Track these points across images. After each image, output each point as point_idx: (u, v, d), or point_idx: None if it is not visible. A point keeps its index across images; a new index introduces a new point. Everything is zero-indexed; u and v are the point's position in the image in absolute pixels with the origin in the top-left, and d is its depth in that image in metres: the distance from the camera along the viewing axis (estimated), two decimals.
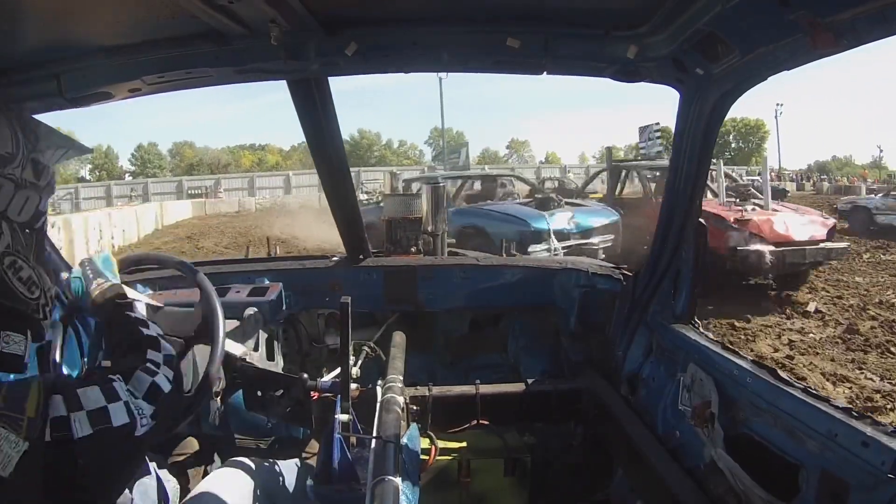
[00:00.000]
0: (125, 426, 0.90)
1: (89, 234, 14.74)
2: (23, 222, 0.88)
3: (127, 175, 55.63)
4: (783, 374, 1.40)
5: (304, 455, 2.21)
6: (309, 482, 1.63)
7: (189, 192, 41.43)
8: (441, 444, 1.94)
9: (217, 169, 50.12)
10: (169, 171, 54.81)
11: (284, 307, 2.55)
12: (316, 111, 1.89)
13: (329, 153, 2.12)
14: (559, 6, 1.43)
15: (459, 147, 42.60)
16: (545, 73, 1.61)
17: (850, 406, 1.21)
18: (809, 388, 1.32)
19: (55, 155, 0.95)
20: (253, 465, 1.59)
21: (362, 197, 19.91)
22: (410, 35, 1.51)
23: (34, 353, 1.46)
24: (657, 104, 29.02)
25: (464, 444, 2.01)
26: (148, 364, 1.05)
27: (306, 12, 1.36)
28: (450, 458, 1.98)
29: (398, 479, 1.36)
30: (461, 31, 1.50)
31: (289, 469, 1.69)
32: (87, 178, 54.85)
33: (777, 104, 48.93)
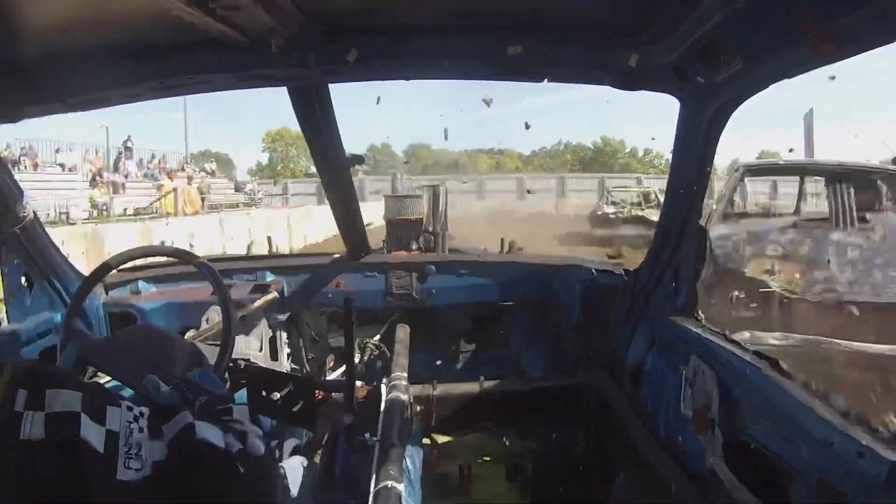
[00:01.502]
0: (96, 454, 0.81)
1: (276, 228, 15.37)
2: None
3: (359, 173, 54.85)
4: (783, 366, 1.40)
5: (307, 455, 2.23)
6: (313, 485, 1.65)
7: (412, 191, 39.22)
8: (443, 448, 1.95)
9: (454, 171, 48.02)
10: (404, 174, 53.36)
11: (286, 305, 2.56)
12: (316, 118, 1.89)
13: (329, 157, 2.12)
14: (560, 14, 1.42)
15: None
16: (546, 80, 1.60)
17: (849, 410, 1.21)
18: (809, 384, 1.32)
19: None
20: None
21: (608, 210, 18.84)
22: (411, 42, 1.50)
23: None
24: None
25: (466, 448, 2.02)
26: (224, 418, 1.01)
27: (307, 20, 1.35)
28: (452, 463, 1.99)
29: (401, 487, 1.38)
30: (462, 38, 1.49)
31: (293, 469, 1.70)
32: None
33: None
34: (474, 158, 58.71)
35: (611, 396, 2.00)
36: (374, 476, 1.41)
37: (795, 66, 1.25)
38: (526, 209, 28.87)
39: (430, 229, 3.55)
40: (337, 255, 2.80)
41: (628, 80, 1.56)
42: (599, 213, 19.28)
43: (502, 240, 3.44)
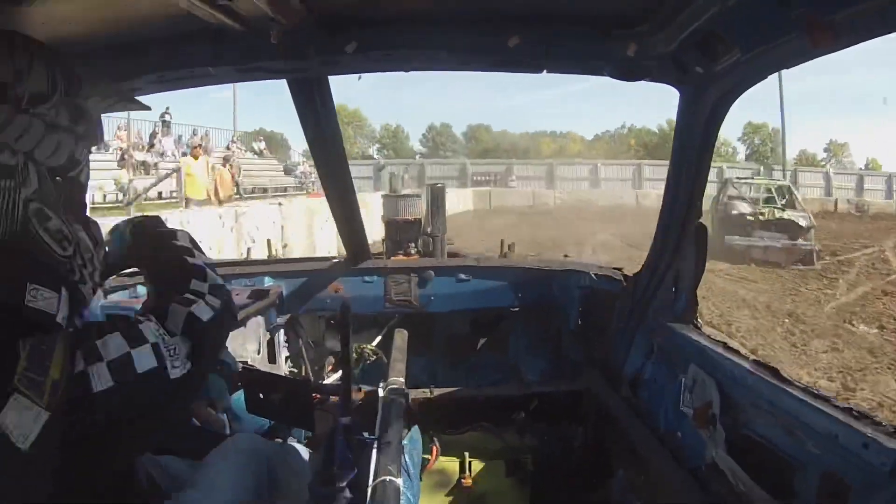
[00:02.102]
0: (153, 371, 0.84)
1: (314, 220, 12.00)
2: (53, 167, 0.84)
3: (417, 156, 51.48)
4: (784, 374, 1.39)
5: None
6: (311, 487, 1.62)
7: (474, 178, 35.36)
8: (442, 445, 1.94)
9: (515, 154, 45.16)
10: (463, 156, 49.38)
11: (285, 309, 2.55)
12: (316, 110, 1.90)
13: (329, 153, 2.13)
14: (559, 5, 1.43)
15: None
16: (545, 71, 1.61)
17: (851, 406, 1.20)
18: (810, 387, 1.32)
19: (102, 104, 0.95)
20: (258, 442, 1.57)
21: (744, 208, 13.44)
22: (411, 33, 1.51)
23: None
24: None
25: (465, 445, 2.00)
26: (187, 295, 0.97)
27: (306, 11, 1.36)
28: (451, 459, 1.97)
29: (399, 481, 1.36)
30: (461, 29, 1.50)
31: (294, 452, 1.67)
32: (375, 156, 50.97)
33: None
34: (536, 141, 57.10)
35: (609, 401, 1.99)
36: (372, 471, 1.39)
37: (794, 56, 1.26)
38: (599, 200, 27.53)
39: (430, 231, 3.53)
40: (336, 260, 2.79)
41: (627, 71, 1.57)
42: (734, 212, 13.80)
43: (502, 242, 3.43)
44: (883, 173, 39.34)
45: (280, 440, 1.67)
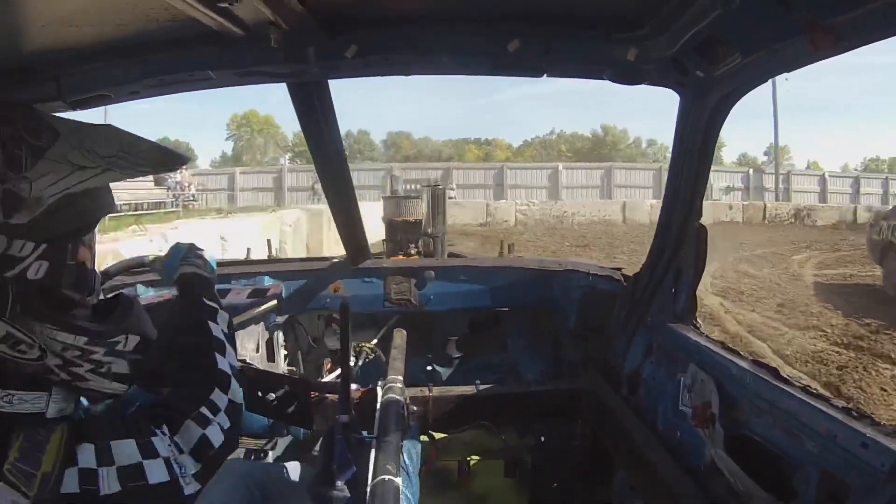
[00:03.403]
0: (164, 485, 0.81)
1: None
2: None
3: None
4: (783, 374, 1.40)
5: (304, 456, 2.21)
6: (309, 486, 1.63)
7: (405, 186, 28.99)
8: (441, 444, 1.95)
9: (433, 159, 43.07)
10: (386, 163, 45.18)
11: (285, 309, 2.55)
12: (316, 114, 1.90)
13: (329, 155, 2.13)
14: (559, 9, 1.43)
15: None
16: (545, 75, 1.61)
17: (850, 406, 1.21)
18: (809, 387, 1.33)
19: (53, 187, 0.75)
20: (250, 466, 1.58)
21: None
22: (411, 37, 1.51)
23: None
24: None
25: (464, 444, 2.01)
26: (204, 411, 0.92)
27: (306, 14, 1.35)
28: (450, 458, 1.98)
29: (399, 480, 1.37)
30: (461, 33, 1.50)
31: (287, 471, 1.69)
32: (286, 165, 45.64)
33: None
34: (460, 148, 55.86)
35: (608, 401, 1.99)
36: (371, 470, 1.40)
37: (795, 60, 1.26)
38: (575, 213, 22.80)
39: (430, 232, 3.53)
40: (336, 260, 2.80)
41: (627, 74, 1.57)
42: None
43: (501, 241, 3.43)
44: (820, 173, 38.19)
45: (269, 462, 1.67)
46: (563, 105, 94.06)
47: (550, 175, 31.74)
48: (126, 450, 0.79)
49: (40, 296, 0.76)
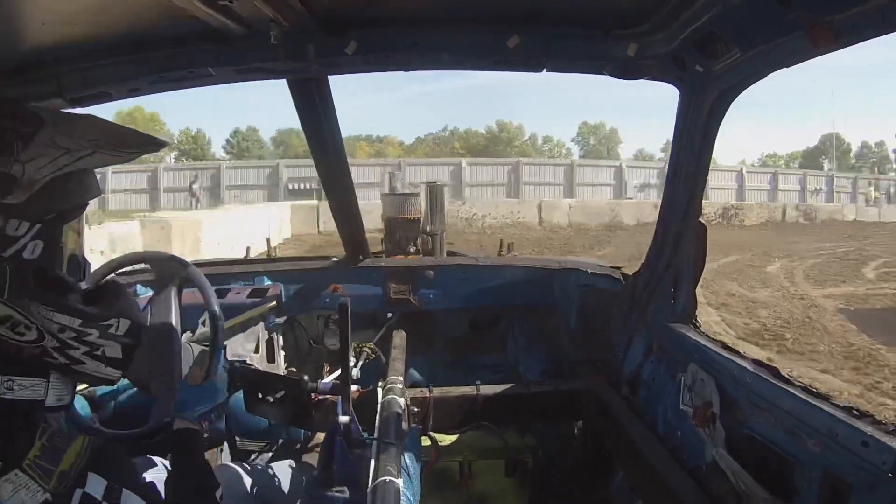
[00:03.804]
0: None
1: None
2: None
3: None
4: (784, 373, 1.40)
5: (304, 457, 2.20)
6: (309, 486, 1.63)
7: (290, 187, 26.81)
8: (442, 445, 1.94)
9: None
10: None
11: (284, 309, 2.54)
12: (316, 111, 1.89)
13: (329, 153, 2.12)
14: (559, 5, 1.44)
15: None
16: (545, 70, 1.61)
17: (851, 405, 1.21)
18: (810, 386, 1.32)
19: (46, 169, 0.78)
20: (246, 468, 1.58)
21: None
22: (411, 34, 1.51)
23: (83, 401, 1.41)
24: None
25: (464, 445, 2.00)
26: None
27: (306, 12, 1.36)
28: (451, 459, 1.98)
29: (399, 481, 1.36)
30: (461, 30, 1.50)
31: (283, 471, 1.68)
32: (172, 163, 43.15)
33: None
34: (351, 146, 53.10)
35: (609, 400, 1.99)
36: (371, 472, 1.39)
37: (794, 56, 1.26)
38: (526, 216, 20.82)
39: (429, 230, 3.52)
40: (335, 259, 2.79)
41: (627, 70, 1.57)
42: None
43: (501, 241, 3.42)
44: (791, 171, 37.27)
45: (264, 465, 1.67)
46: (458, 101, 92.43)
47: (453, 172, 28.03)
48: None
49: (36, 277, 0.78)
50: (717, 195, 27.83)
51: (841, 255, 14.68)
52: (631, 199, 25.35)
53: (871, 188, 33.55)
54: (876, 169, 42.53)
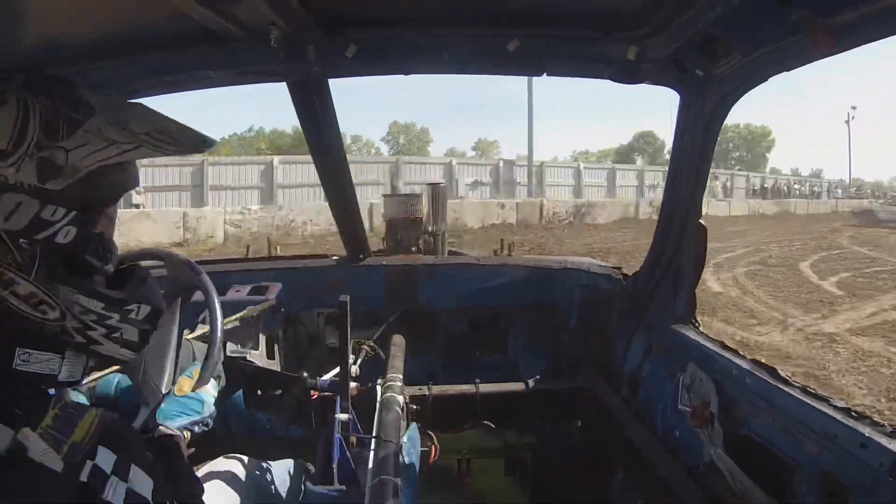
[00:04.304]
0: None
1: None
2: (14, 231, 0.75)
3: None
4: (783, 374, 1.40)
5: (303, 454, 2.21)
6: (308, 483, 1.63)
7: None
8: (441, 443, 1.95)
9: None
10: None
11: (284, 307, 2.55)
12: (316, 113, 1.90)
13: (329, 154, 2.13)
14: (559, 8, 1.43)
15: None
16: (545, 74, 1.61)
17: (850, 406, 1.21)
18: (809, 387, 1.32)
19: (90, 158, 0.78)
20: (245, 462, 1.58)
21: None
22: (411, 37, 1.51)
23: (83, 397, 1.42)
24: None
25: (464, 443, 2.01)
26: None
27: (306, 14, 1.35)
28: (450, 457, 1.98)
29: (398, 479, 1.37)
30: (461, 32, 1.50)
31: (281, 468, 1.69)
32: None
33: (851, 107, 41.38)
34: None
35: (608, 400, 2.00)
36: (370, 470, 1.40)
37: (794, 59, 1.26)
38: (306, 223, 17.34)
39: (431, 230, 3.53)
40: (336, 257, 2.80)
41: (628, 73, 1.57)
42: None
43: (502, 241, 3.43)
44: (626, 166, 35.46)
45: (265, 463, 1.68)
46: (264, 100, 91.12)
47: (264, 172, 24.68)
48: (143, 482, 0.81)
49: (65, 260, 0.79)
50: (552, 191, 26.74)
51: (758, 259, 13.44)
52: (462, 197, 21.98)
53: (717, 183, 32.82)
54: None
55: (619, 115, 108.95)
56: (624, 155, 55.32)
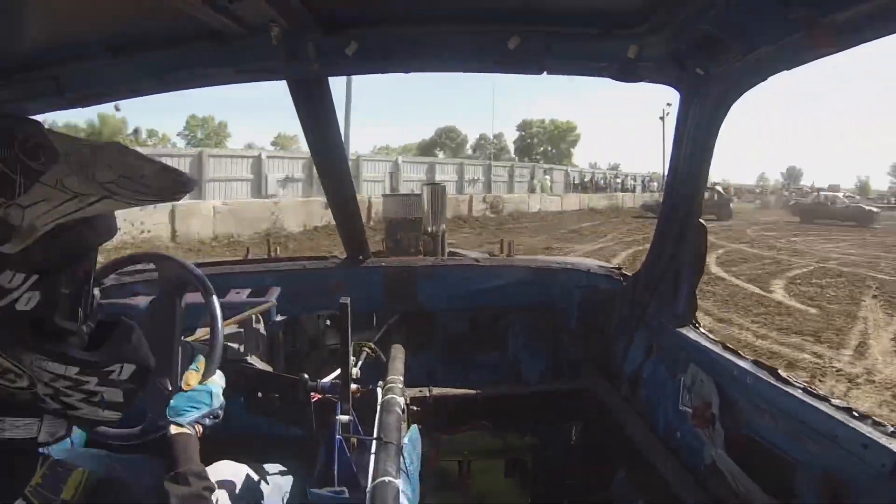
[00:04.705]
0: None
1: None
2: None
3: None
4: (784, 374, 1.40)
5: (303, 457, 2.20)
6: (309, 487, 1.62)
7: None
8: (442, 444, 1.94)
9: None
10: None
11: (284, 309, 2.54)
12: (316, 111, 1.89)
13: (329, 153, 2.12)
14: (559, 6, 1.44)
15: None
16: (545, 72, 1.61)
17: (851, 406, 1.21)
18: (809, 387, 1.32)
19: (46, 216, 0.70)
20: (245, 466, 1.58)
21: None
22: (411, 35, 1.51)
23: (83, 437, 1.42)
24: None
25: (464, 444, 2.00)
26: None
27: (306, 12, 1.35)
28: (450, 459, 1.98)
29: (399, 481, 1.36)
30: (461, 30, 1.50)
31: (282, 471, 1.68)
32: None
33: (667, 104, 37.63)
34: None
35: (609, 401, 1.99)
36: (371, 471, 1.39)
37: (795, 57, 1.26)
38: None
39: (430, 230, 3.52)
40: (335, 258, 2.79)
41: (628, 72, 1.57)
42: None
43: (502, 241, 3.42)
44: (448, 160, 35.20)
45: (269, 462, 1.67)
46: None
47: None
48: None
49: (31, 327, 0.73)
50: (368, 188, 24.07)
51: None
52: (274, 196, 20.14)
53: (547, 178, 33.89)
54: (492, 158, 41.66)
55: (422, 111, 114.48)
56: (426, 149, 55.64)
